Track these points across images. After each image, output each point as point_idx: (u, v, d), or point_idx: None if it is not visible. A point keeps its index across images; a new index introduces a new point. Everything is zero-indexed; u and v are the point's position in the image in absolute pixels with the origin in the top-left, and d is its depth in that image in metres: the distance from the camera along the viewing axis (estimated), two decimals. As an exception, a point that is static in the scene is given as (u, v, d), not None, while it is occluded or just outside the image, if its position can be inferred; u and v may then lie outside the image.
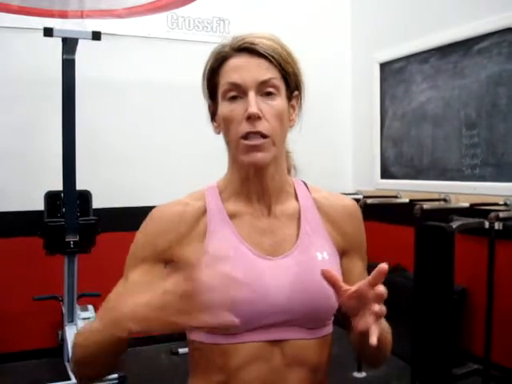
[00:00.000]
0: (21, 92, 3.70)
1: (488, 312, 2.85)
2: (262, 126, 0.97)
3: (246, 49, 0.99)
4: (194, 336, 1.03)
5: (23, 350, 3.72)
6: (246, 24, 4.23)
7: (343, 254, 1.09)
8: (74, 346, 0.95)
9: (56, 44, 3.18)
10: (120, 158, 3.95)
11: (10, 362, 3.65)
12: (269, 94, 0.99)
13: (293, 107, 1.06)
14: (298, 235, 1.05)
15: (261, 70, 0.98)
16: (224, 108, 1.00)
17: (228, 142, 1.03)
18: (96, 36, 3.17)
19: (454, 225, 3.16)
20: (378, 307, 0.83)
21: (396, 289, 3.74)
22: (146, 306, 0.77)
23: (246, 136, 0.98)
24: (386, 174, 4.31)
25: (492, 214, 2.76)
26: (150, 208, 1.10)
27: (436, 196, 3.70)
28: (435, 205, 3.51)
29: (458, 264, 3.30)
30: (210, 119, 1.09)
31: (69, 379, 3.25)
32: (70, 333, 3.45)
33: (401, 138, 4.14)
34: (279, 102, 1.00)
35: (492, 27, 3.29)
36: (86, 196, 3.57)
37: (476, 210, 3.29)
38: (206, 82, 1.07)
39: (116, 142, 3.95)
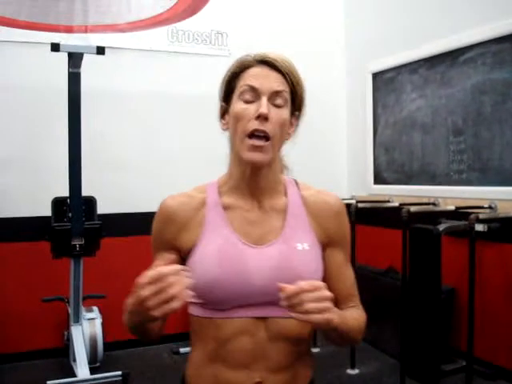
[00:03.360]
0: (29, 102, 3.89)
1: (470, 311, 2.99)
2: (267, 127, 1.12)
3: (268, 63, 1.15)
4: (193, 311, 1.19)
5: (30, 349, 3.88)
6: (244, 37, 4.42)
7: (326, 246, 1.22)
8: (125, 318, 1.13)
9: (62, 57, 3.35)
10: (123, 165, 4.12)
11: (17, 361, 3.80)
12: (278, 105, 1.14)
13: (291, 124, 1.21)
14: (282, 228, 1.19)
15: (276, 82, 1.14)
16: (238, 106, 1.14)
17: (233, 138, 1.17)
18: (100, 51, 3.34)
19: (441, 227, 3.32)
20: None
21: (387, 290, 3.92)
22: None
23: (252, 134, 1.12)
24: (378, 179, 4.47)
25: (472, 216, 2.91)
26: (152, 214, 1.26)
27: (426, 200, 3.86)
28: (422, 208, 3.66)
29: (447, 265, 3.46)
30: (219, 118, 1.22)
31: (74, 376, 3.42)
32: (76, 333, 3.62)
33: (392, 144, 4.31)
34: (285, 112, 1.16)
35: (476, 39, 3.46)
36: (91, 202, 3.73)
37: (463, 213, 3.45)
38: (225, 85, 1.20)
39: (120, 150, 4.13)
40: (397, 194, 4.19)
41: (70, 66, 3.36)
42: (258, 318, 1.13)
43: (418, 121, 4.00)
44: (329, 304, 1.01)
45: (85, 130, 3.46)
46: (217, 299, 1.13)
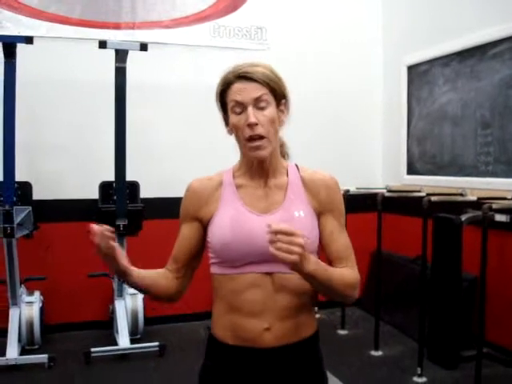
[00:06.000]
0: (80, 94, 4.22)
1: (481, 299, 3.11)
2: (259, 130, 1.37)
3: (244, 76, 1.39)
4: (213, 270, 1.46)
5: (78, 321, 4.26)
6: (282, 32, 4.61)
7: (320, 214, 1.46)
8: None
9: (110, 53, 3.65)
10: (165, 154, 4.42)
11: (66, 331, 4.19)
12: (262, 107, 1.39)
13: (281, 111, 1.45)
14: (283, 200, 1.45)
15: (254, 90, 1.38)
16: (233, 119, 1.41)
17: (238, 142, 1.44)
18: (143, 47, 3.64)
19: (463, 217, 3.43)
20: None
21: (414, 277, 4.04)
22: None
23: (249, 138, 1.38)
24: (411, 170, 4.59)
25: (485, 206, 3.02)
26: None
27: (454, 191, 3.95)
28: (444, 198, 3.75)
29: (472, 254, 3.55)
30: (225, 125, 1.49)
31: (116, 345, 3.76)
32: (119, 306, 3.95)
33: (425, 136, 4.41)
34: (270, 110, 1.40)
35: (505, 33, 3.54)
36: (134, 186, 4.06)
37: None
38: (218, 100, 1.47)
39: (162, 139, 4.42)
40: (428, 184, 4.30)
41: (116, 61, 3.65)
42: (265, 273, 1.39)
43: (449, 113, 4.10)
44: (298, 249, 1.18)
45: (130, 121, 3.75)
46: (230, 258, 1.40)
